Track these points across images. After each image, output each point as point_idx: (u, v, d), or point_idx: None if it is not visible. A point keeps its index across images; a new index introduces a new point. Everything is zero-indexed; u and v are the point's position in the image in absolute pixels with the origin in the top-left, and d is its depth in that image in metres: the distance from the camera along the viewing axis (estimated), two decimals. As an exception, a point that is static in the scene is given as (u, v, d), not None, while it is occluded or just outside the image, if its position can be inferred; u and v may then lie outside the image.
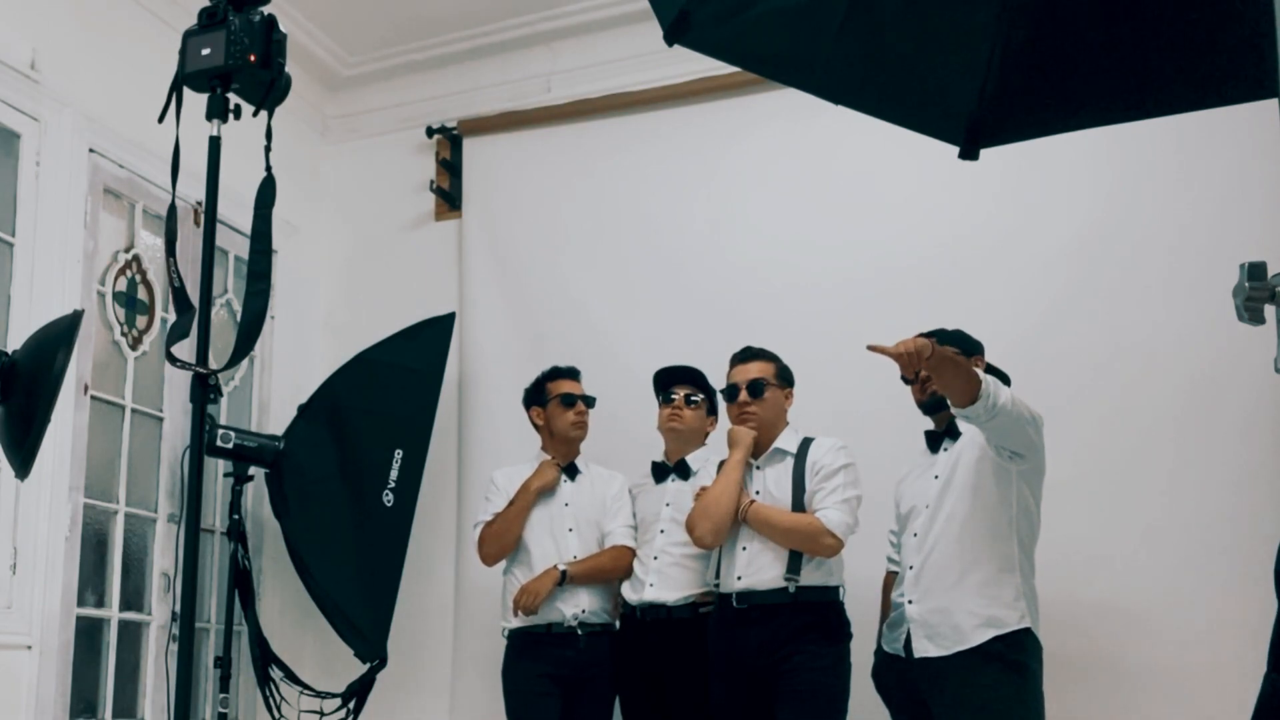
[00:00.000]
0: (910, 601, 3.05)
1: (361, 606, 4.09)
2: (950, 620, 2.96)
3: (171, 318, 3.45)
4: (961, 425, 3.07)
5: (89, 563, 3.71)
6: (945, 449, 3.15)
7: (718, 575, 3.38)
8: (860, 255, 4.04)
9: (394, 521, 4.14)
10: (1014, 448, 2.92)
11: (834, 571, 3.30)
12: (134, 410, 3.94)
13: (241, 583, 3.94)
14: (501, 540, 3.69)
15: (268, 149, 2.30)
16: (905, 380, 3.13)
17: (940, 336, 3.14)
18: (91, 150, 3.75)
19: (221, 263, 4.38)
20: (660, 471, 3.67)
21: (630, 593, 3.55)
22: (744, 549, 3.32)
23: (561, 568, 3.56)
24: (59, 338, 2.16)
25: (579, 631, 3.57)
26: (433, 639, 4.40)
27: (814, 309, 4.02)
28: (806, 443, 3.39)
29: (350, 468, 4.18)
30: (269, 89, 2.28)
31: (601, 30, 4.53)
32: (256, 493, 4.31)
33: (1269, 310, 1.24)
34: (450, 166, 4.78)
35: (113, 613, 3.81)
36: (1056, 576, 3.26)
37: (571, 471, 3.79)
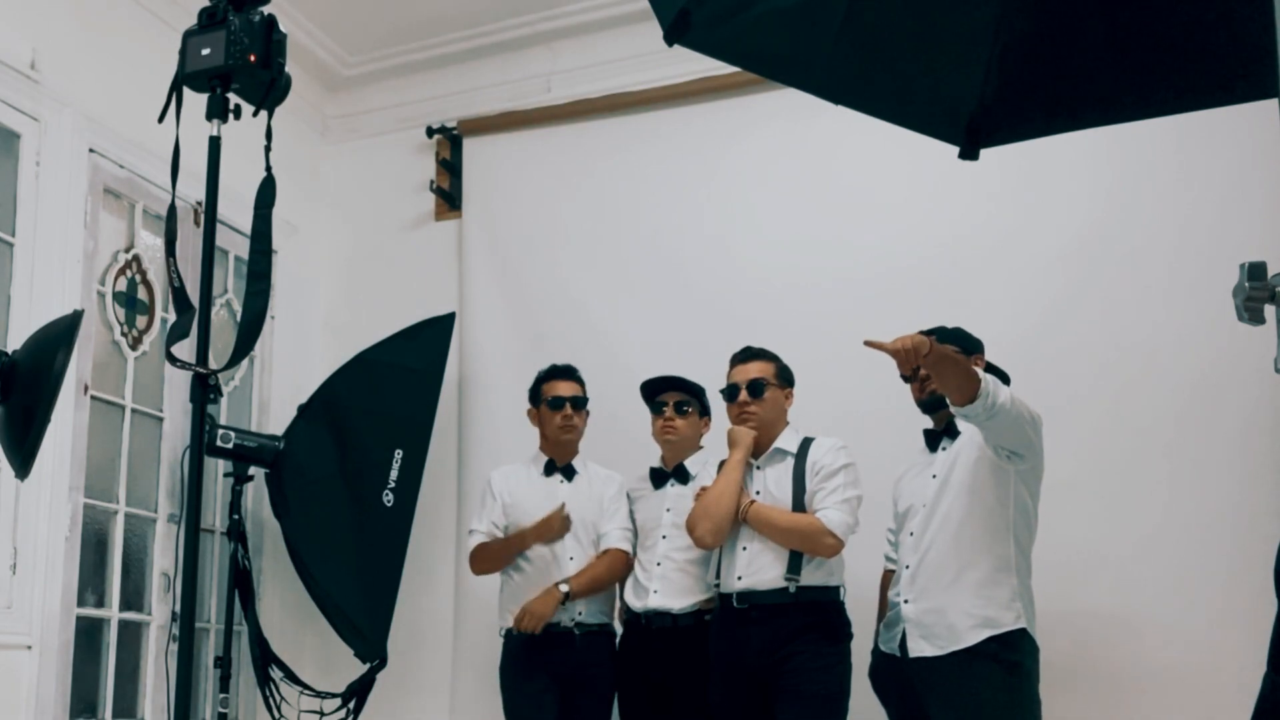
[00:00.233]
0: (906, 601, 3.05)
1: (361, 606, 4.09)
2: (945, 620, 2.95)
3: (171, 318, 3.45)
4: (960, 425, 3.07)
5: (89, 563, 3.71)
6: (944, 448, 3.14)
7: (718, 575, 3.38)
8: (860, 255, 4.04)
9: (394, 521, 4.14)
10: (1012, 447, 2.92)
11: (834, 571, 3.30)
12: (134, 410, 3.94)
13: (241, 583, 3.94)
14: (494, 564, 3.71)
15: (268, 149, 2.30)
16: (904, 378, 3.13)
17: (940, 335, 3.13)
18: (91, 150, 3.75)
19: (221, 263, 4.38)
20: (659, 477, 3.66)
21: (634, 599, 3.54)
22: (744, 549, 3.31)
23: (564, 589, 3.53)
24: (59, 338, 2.15)
25: (576, 632, 3.57)
26: (433, 639, 4.40)
27: (814, 309, 4.02)
28: (807, 443, 3.39)
29: (350, 468, 4.18)
30: (269, 89, 2.28)
31: (601, 30, 4.53)
32: (256, 493, 4.31)
33: (1269, 310, 1.24)
34: (450, 166, 4.78)
35: (113, 613, 3.81)
36: (1055, 577, 3.26)
37: (569, 472, 3.78)
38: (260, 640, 3.96)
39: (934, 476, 3.11)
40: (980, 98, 2.38)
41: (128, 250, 3.97)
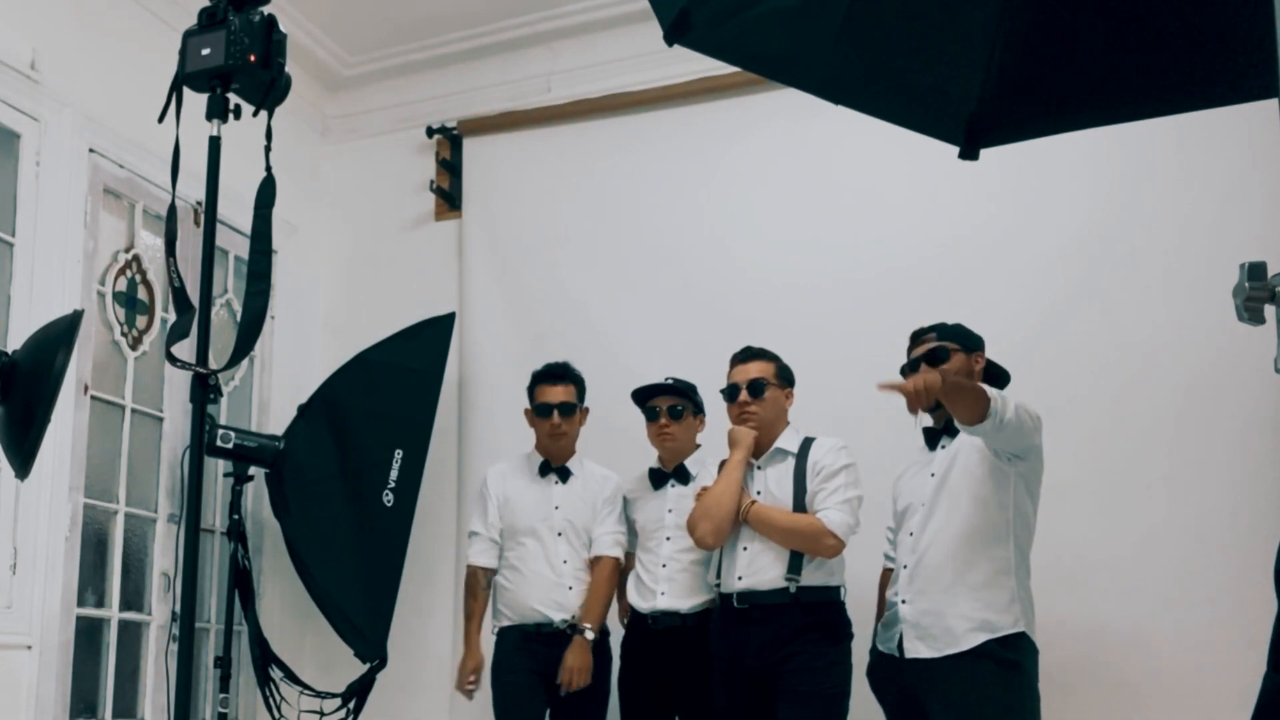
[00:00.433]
0: (904, 601, 3.04)
1: (361, 606, 4.09)
2: (943, 623, 2.94)
3: (171, 318, 3.45)
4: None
5: (89, 563, 3.71)
6: (943, 446, 3.13)
7: (718, 575, 3.38)
8: (860, 255, 4.04)
9: (394, 521, 4.13)
10: (1014, 451, 2.92)
11: (835, 571, 3.30)
12: (134, 410, 3.94)
13: (241, 583, 3.94)
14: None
15: (268, 149, 2.30)
16: (911, 411, 3.12)
17: (940, 331, 3.14)
18: (91, 150, 3.75)
19: (221, 263, 4.38)
20: (658, 478, 3.66)
21: (639, 600, 3.54)
22: (745, 549, 3.31)
23: (589, 635, 3.53)
24: (59, 338, 2.15)
25: (569, 633, 3.57)
26: (433, 639, 4.40)
27: (814, 309, 4.02)
28: (808, 443, 3.39)
29: (350, 468, 4.18)
30: (269, 89, 2.28)
31: (601, 30, 4.53)
32: (256, 493, 4.31)
33: (1269, 310, 1.24)
34: (450, 166, 4.78)
35: (113, 613, 3.81)
36: (1054, 578, 3.26)
37: (564, 474, 3.76)
38: (260, 640, 3.96)
39: (932, 475, 3.10)
40: (980, 98, 2.38)
41: (128, 250, 3.97)
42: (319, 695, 3.99)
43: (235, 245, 4.29)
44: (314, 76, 4.85)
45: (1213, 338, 3.47)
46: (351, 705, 4.00)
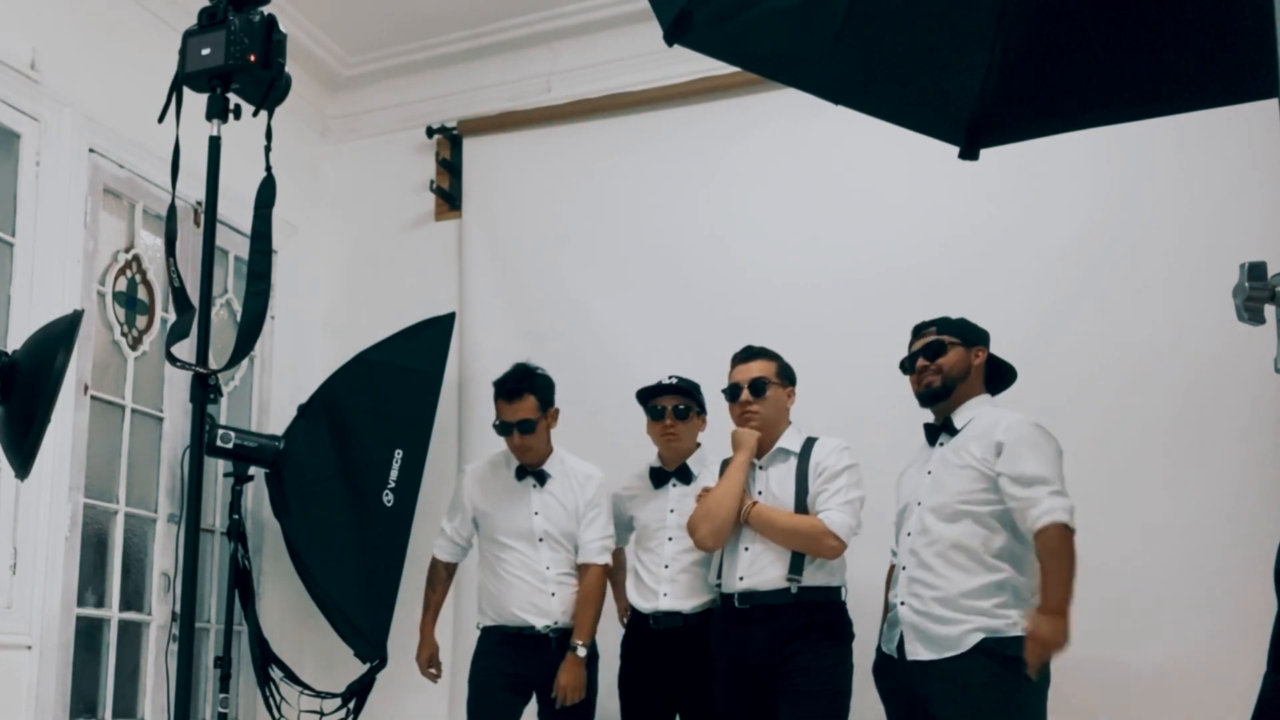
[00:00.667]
0: (903, 603, 3.03)
1: (361, 606, 4.09)
2: (942, 625, 2.93)
3: (171, 318, 3.45)
4: (961, 420, 3.07)
5: (89, 563, 3.71)
6: (942, 443, 3.13)
7: (719, 575, 3.38)
8: (860, 255, 4.05)
9: (394, 521, 4.14)
10: None
11: (836, 572, 3.30)
12: (134, 410, 3.94)
13: (241, 583, 3.94)
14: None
15: (268, 149, 2.30)
16: (903, 368, 3.14)
17: (943, 325, 3.14)
18: (91, 150, 3.75)
19: (221, 263, 4.38)
20: (660, 477, 3.64)
21: (641, 600, 3.52)
22: (746, 549, 3.31)
23: (581, 652, 3.48)
24: (59, 338, 2.15)
25: (551, 636, 3.54)
26: (432, 639, 4.39)
27: (814, 309, 4.02)
28: (810, 442, 3.39)
29: (350, 468, 4.18)
30: (269, 89, 2.28)
31: (601, 30, 4.53)
32: (256, 493, 4.31)
33: (1269, 310, 1.24)
34: (450, 166, 4.78)
35: (113, 613, 3.81)
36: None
37: (541, 477, 3.65)
38: (260, 640, 3.97)
39: (929, 473, 3.09)
40: (980, 98, 2.38)
41: (128, 250, 3.97)
42: (319, 695, 3.99)
43: (235, 245, 4.29)
44: (314, 76, 4.85)
45: (1213, 338, 3.47)
46: (351, 705, 4.00)
